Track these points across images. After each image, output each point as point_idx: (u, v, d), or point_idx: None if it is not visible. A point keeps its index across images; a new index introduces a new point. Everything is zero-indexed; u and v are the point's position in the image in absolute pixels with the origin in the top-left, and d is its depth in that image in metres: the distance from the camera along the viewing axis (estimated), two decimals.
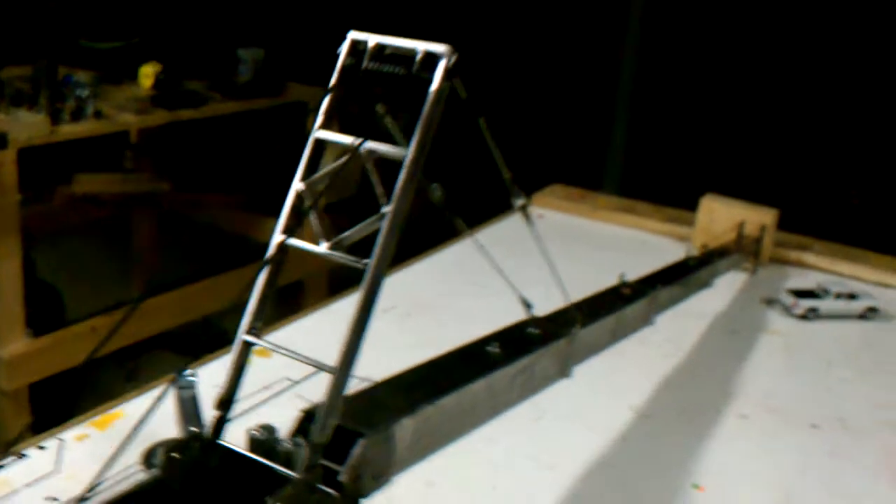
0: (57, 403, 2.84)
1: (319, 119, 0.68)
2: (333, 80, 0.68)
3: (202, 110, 2.75)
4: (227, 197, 3.48)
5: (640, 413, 1.18)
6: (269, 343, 0.67)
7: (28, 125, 2.28)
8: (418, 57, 0.66)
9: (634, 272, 1.61)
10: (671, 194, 1.99)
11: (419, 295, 1.47)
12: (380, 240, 0.65)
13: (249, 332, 0.67)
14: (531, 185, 2.03)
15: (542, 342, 0.95)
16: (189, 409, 0.81)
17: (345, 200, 3.46)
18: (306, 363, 0.65)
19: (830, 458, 1.12)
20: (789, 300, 1.51)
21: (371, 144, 0.66)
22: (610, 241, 1.80)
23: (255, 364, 1.21)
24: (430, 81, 0.65)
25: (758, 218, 1.68)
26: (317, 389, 0.63)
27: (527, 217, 0.85)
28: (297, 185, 0.68)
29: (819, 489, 1.06)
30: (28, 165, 2.30)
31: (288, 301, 3.42)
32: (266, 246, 0.67)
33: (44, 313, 2.64)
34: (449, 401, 0.80)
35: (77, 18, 3.02)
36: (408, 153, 0.65)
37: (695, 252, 1.72)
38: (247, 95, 2.97)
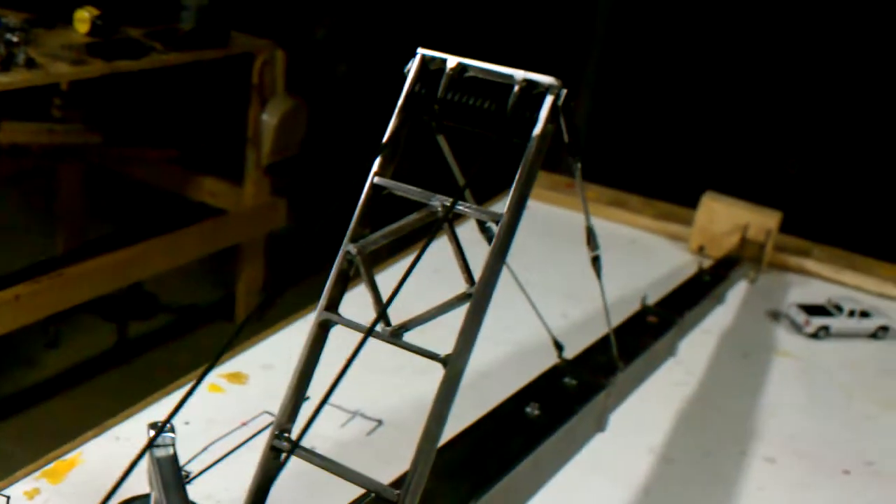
0: None
1: (377, 163, 0.52)
2: (396, 114, 0.52)
3: (142, 62, 2.53)
4: (162, 153, 3.24)
5: (662, 457, 1.06)
6: (313, 456, 0.51)
7: None
8: (516, 88, 0.50)
9: (628, 277, 1.48)
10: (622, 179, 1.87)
11: (404, 303, 1.30)
12: (462, 327, 0.50)
13: (279, 436, 0.51)
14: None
15: (582, 397, 0.82)
16: (167, 473, 0.67)
17: (288, 160, 3.28)
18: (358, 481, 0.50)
19: None
20: (800, 317, 1.40)
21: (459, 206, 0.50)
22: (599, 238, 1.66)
23: (230, 393, 1.06)
24: (531, 121, 0.50)
25: (761, 221, 1.56)
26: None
27: (597, 270, 0.70)
28: (346, 245, 0.52)
29: None
30: None
31: (223, 269, 3.23)
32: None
33: None
34: (497, 489, 0.67)
35: None
36: (502, 217, 0.49)
37: (690, 254, 1.61)
38: (190, 46, 2.75)
